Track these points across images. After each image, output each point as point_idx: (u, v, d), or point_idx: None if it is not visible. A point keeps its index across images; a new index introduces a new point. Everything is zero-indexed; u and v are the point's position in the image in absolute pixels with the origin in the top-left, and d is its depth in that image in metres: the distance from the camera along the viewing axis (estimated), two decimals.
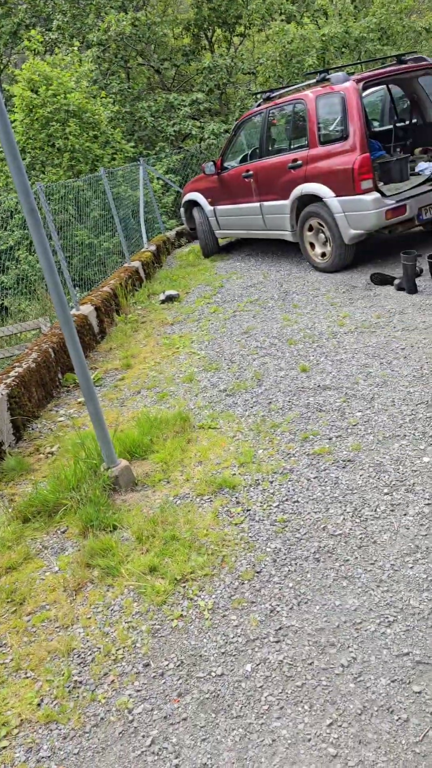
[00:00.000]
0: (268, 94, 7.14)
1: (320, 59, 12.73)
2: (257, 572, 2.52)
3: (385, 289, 5.62)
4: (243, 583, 2.48)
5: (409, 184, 6.20)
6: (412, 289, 5.32)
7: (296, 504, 2.90)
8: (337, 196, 6.07)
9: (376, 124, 8.54)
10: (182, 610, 2.41)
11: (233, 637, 2.24)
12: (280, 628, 2.24)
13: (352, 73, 6.44)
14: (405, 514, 2.65)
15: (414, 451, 3.07)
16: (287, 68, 13.46)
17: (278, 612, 2.30)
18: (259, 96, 7.35)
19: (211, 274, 7.66)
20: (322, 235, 6.47)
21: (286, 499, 2.95)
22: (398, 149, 7.01)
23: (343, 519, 2.72)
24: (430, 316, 4.71)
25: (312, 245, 6.69)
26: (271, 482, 3.11)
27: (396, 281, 5.54)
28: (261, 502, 2.97)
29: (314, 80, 6.30)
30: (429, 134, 6.88)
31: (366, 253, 6.78)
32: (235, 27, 15.69)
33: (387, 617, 2.18)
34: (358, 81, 5.89)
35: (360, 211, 5.91)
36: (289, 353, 4.67)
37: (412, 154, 7.01)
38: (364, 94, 8.90)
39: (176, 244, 9.98)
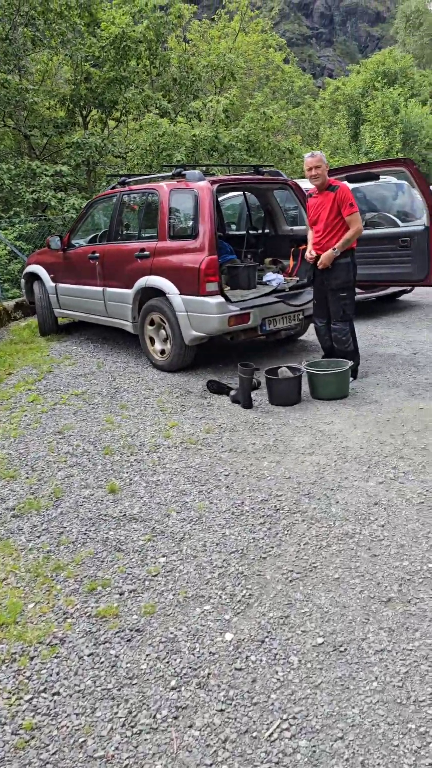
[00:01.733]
0: (123, 178, 6.83)
1: (189, 157, 12.99)
2: None
3: (220, 399, 5.24)
4: None
5: (255, 293, 6.03)
6: (247, 404, 4.98)
7: (55, 699, 2.17)
8: (181, 294, 5.74)
9: (234, 227, 8.57)
10: None
11: None
12: None
13: (211, 174, 6.34)
14: (191, 726, 2.03)
15: (217, 623, 2.50)
16: (157, 158, 13.62)
17: None
18: (114, 179, 7.02)
19: (43, 355, 6.93)
20: (163, 332, 6.06)
21: (44, 690, 2.21)
22: (249, 256, 6.93)
23: (111, 730, 2.03)
24: (260, 438, 4.34)
25: (152, 340, 6.25)
26: (32, 659, 2.36)
27: (232, 392, 5.19)
28: (9, 693, 2.20)
29: (170, 173, 6.07)
30: (279, 246, 6.89)
31: (208, 356, 6.46)
32: (112, 111, 15.82)
33: None
34: (213, 182, 5.72)
35: (203, 313, 5.59)
36: (101, 466, 4.03)
37: (262, 263, 6.95)
38: (225, 197, 9.03)
39: (13, 316, 9.16)
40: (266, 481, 3.68)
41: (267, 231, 7.13)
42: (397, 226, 6.59)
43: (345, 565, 2.80)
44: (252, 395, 5.13)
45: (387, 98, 19.59)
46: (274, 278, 6.38)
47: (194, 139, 13.10)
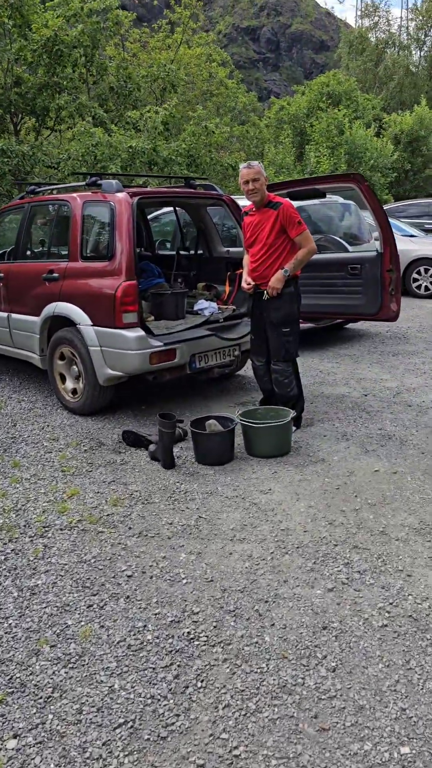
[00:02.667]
0: (33, 187, 5.87)
1: (125, 169, 12.11)
2: None
3: (137, 455, 4.31)
4: None
5: (184, 324, 5.16)
6: (168, 464, 4.07)
7: None
8: (94, 325, 4.82)
9: (169, 245, 7.72)
10: None
11: None
12: None
13: (135, 185, 5.46)
14: None
15: None
16: (92, 169, 12.68)
17: None
18: (24, 186, 6.05)
19: None
20: (75, 368, 5.11)
21: None
22: (179, 280, 6.06)
23: None
24: (180, 515, 3.43)
25: (63, 377, 5.29)
26: None
27: (151, 447, 4.27)
28: None
29: (83, 183, 5.15)
30: (214, 270, 6.05)
31: (131, 395, 5.53)
32: (45, 119, 14.80)
33: None
34: (133, 194, 4.84)
35: (119, 349, 4.67)
36: None
37: (194, 288, 6.10)
38: (158, 213, 8.16)
39: None
40: (181, 587, 2.77)
41: (201, 252, 6.29)
42: (346, 250, 5.86)
43: (281, 752, 1.91)
44: (176, 449, 4.24)
45: (332, 119, 19.31)
46: (206, 307, 5.53)
47: (131, 150, 12.22)
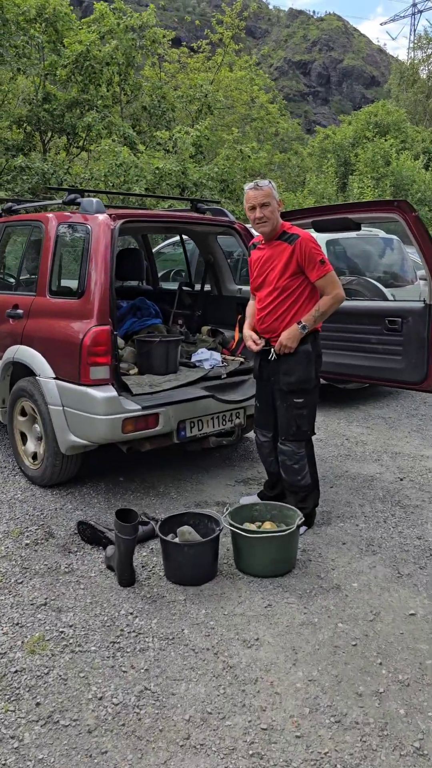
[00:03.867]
0: (11, 204, 4.95)
1: (150, 192, 11.29)
2: None
3: (90, 558, 3.25)
4: None
5: (174, 380, 4.11)
6: (126, 579, 2.99)
7: None
8: (57, 378, 3.82)
9: (184, 276, 6.73)
10: None
11: None
12: None
13: (141, 207, 4.49)
14: None
15: None
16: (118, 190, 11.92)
17: None
18: (2, 203, 5.14)
19: None
20: (37, 427, 4.11)
21: None
22: (180, 322, 5.03)
23: None
24: (118, 682, 2.34)
25: (24, 437, 4.29)
26: None
27: (109, 550, 3.20)
28: None
29: (61, 200, 4.19)
30: (222, 311, 5.01)
31: (108, 460, 4.49)
32: (75, 137, 14.18)
33: None
34: (116, 216, 3.85)
35: (84, 412, 3.65)
36: None
37: (198, 332, 5.06)
38: (170, 241, 7.19)
39: None
40: None
41: (208, 289, 5.25)
42: (385, 298, 4.75)
43: None
44: (144, 551, 3.16)
45: (378, 148, 18.31)
46: (207, 358, 4.48)
47: (158, 172, 11.40)
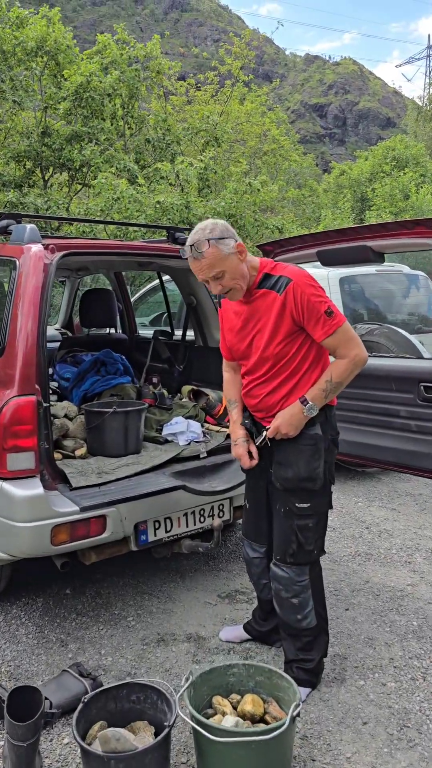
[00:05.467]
0: None
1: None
2: None
3: None
4: None
5: (133, 465, 3.06)
6: None
7: None
8: None
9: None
10: None
11: None
12: None
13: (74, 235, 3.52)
14: None
15: None
16: (118, 227, 11.12)
17: None
18: None
19: None
20: None
21: None
22: (155, 380, 3.99)
23: None
24: None
25: None
26: None
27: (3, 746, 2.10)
28: None
29: None
30: (208, 366, 3.98)
31: (51, 567, 3.42)
32: (77, 173, 13.51)
33: None
34: (54, 248, 2.88)
35: (1, 517, 2.61)
36: None
37: (178, 393, 4.03)
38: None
39: None
40: None
41: (192, 338, 4.23)
42: (418, 354, 3.67)
43: None
44: (57, 750, 2.08)
45: (397, 182, 17.47)
46: (183, 430, 3.43)
47: (159, 206, 10.57)
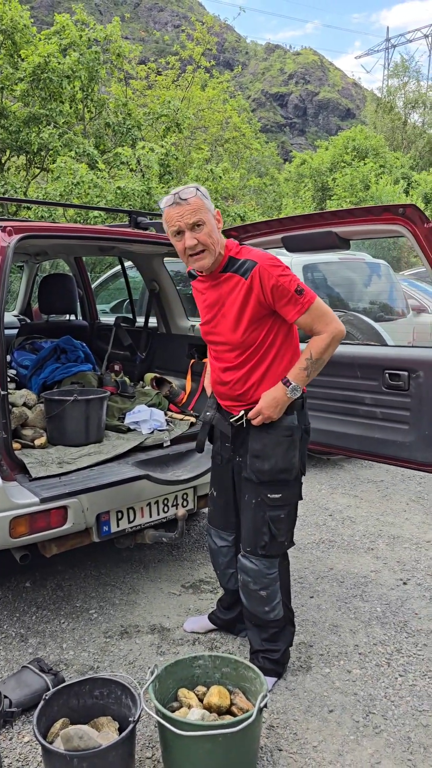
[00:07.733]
0: None
1: (108, 213, 10.26)
2: None
3: None
4: None
5: (97, 454, 2.98)
6: None
7: None
8: None
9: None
10: None
11: None
12: None
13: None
14: None
15: None
16: (77, 212, 10.90)
17: None
18: None
19: None
20: None
21: None
22: (117, 368, 3.90)
23: None
24: None
25: None
26: None
27: None
28: None
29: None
30: (171, 353, 3.91)
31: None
32: (35, 157, 13.16)
33: None
34: (11, 230, 2.76)
35: None
36: None
37: (140, 381, 3.95)
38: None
39: None
40: None
41: (155, 325, 4.15)
42: (382, 341, 3.67)
43: None
44: (16, 749, 2.01)
45: (357, 173, 17.61)
46: (146, 418, 3.36)
47: (119, 192, 10.38)
